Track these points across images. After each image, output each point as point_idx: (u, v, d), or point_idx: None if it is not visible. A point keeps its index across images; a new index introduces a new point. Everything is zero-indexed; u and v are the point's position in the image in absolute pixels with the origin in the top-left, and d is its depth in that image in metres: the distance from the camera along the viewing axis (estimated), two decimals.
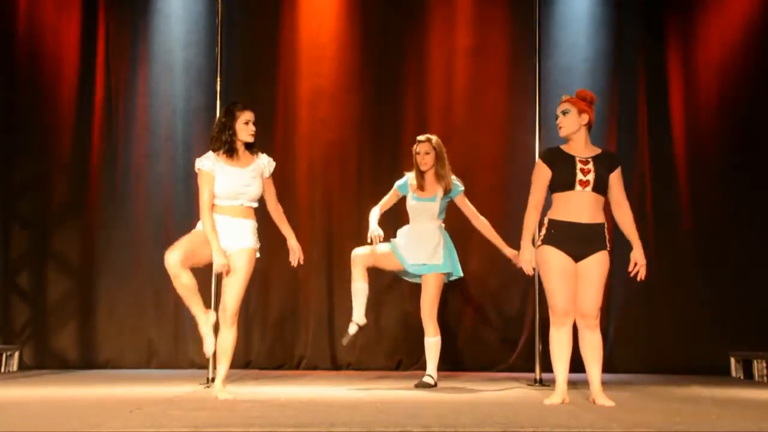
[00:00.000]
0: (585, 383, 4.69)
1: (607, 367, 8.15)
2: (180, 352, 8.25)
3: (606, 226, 4.93)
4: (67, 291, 8.27)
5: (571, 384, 6.56)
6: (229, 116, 5.25)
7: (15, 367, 7.76)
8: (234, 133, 5.23)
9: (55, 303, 8.22)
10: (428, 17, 8.70)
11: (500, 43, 8.68)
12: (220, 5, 6.80)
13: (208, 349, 5.15)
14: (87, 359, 8.18)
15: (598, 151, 5.05)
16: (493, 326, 8.38)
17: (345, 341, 6.27)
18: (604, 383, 5.00)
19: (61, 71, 8.36)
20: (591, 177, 4.88)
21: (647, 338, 8.34)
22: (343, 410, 4.28)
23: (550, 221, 4.93)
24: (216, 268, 5.12)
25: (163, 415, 3.96)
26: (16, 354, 7.83)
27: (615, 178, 4.98)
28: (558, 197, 4.96)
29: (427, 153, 6.27)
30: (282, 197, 8.30)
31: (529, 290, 7.81)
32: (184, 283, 5.01)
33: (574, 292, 4.85)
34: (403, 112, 8.62)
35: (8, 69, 8.20)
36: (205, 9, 8.46)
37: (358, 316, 6.16)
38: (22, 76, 8.27)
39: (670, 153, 8.55)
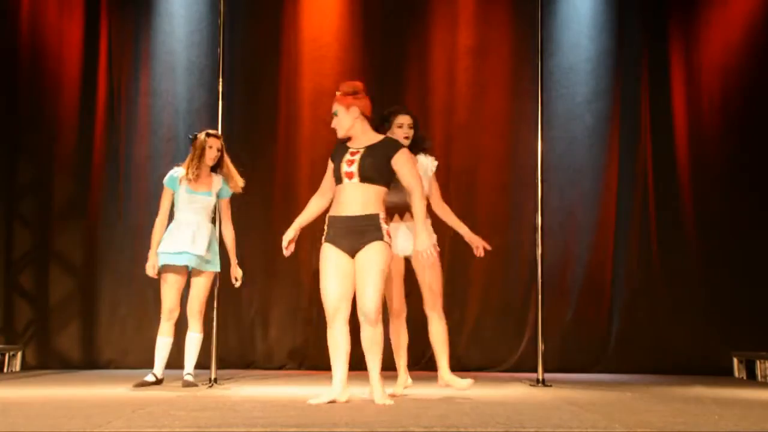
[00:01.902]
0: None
1: (610, 367, 8.20)
2: (182, 352, 8.22)
3: (382, 216, 4.72)
4: (70, 291, 8.27)
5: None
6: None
7: (18, 367, 7.76)
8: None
9: (58, 303, 8.22)
10: (430, 17, 8.71)
11: (502, 43, 8.68)
12: (222, 5, 6.79)
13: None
14: (89, 359, 8.19)
15: (379, 138, 4.90)
16: (495, 326, 8.37)
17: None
18: (605, 383, 4.99)
19: (64, 72, 8.37)
20: (355, 168, 4.77)
21: (650, 338, 8.34)
22: (345, 410, 4.28)
23: (329, 218, 4.83)
24: None
25: (166, 415, 3.96)
26: (19, 354, 7.83)
27: (396, 164, 4.79)
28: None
29: (218, 149, 6.10)
30: (283, 197, 8.39)
31: (531, 290, 7.80)
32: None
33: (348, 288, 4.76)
34: None
35: (11, 70, 8.20)
36: (207, 9, 8.45)
37: None
38: (24, 76, 8.27)
39: (673, 153, 8.54)
